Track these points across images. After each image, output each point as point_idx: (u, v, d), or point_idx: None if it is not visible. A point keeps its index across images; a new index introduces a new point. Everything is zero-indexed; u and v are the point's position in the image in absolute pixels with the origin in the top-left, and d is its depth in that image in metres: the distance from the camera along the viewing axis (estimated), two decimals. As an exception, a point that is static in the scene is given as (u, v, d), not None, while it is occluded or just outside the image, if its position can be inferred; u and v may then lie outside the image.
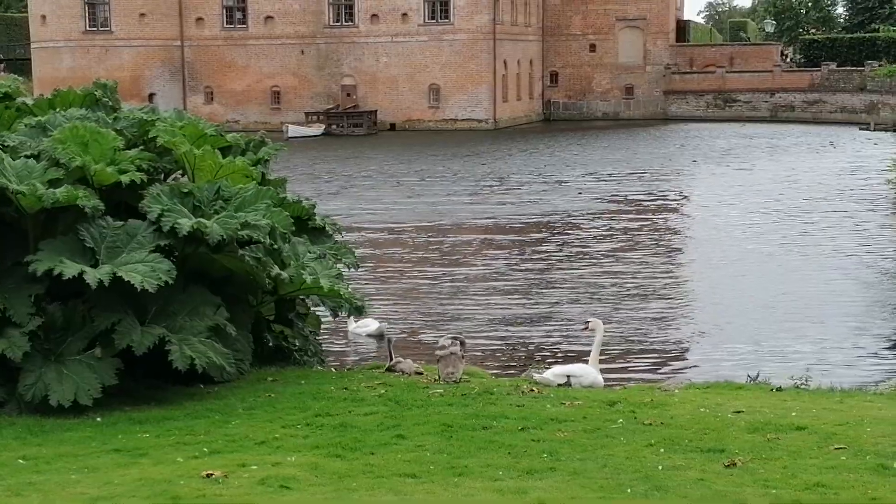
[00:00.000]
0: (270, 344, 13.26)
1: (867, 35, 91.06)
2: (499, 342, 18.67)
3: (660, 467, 8.48)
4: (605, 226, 33.11)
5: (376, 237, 31.15)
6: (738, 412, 10.19)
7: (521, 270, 25.76)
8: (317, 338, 14.29)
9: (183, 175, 12.89)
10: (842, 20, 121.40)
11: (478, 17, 76.46)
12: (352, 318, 15.59)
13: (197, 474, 8.38)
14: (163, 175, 13.08)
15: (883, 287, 23.45)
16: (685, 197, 41.79)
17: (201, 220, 11.16)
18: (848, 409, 10.51)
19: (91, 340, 10.73)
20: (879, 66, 72.93)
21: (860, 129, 71.31)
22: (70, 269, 10.41)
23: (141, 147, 12.80)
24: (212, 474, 8.37)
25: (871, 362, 17.13)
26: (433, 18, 77.29)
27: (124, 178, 11.71)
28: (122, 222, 11.26)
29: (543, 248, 29.00)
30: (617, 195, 40.85)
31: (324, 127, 75.78)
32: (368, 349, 18.21)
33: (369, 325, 18.75)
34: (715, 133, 70.81)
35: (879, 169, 44.31)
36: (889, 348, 18.11)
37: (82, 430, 9.95)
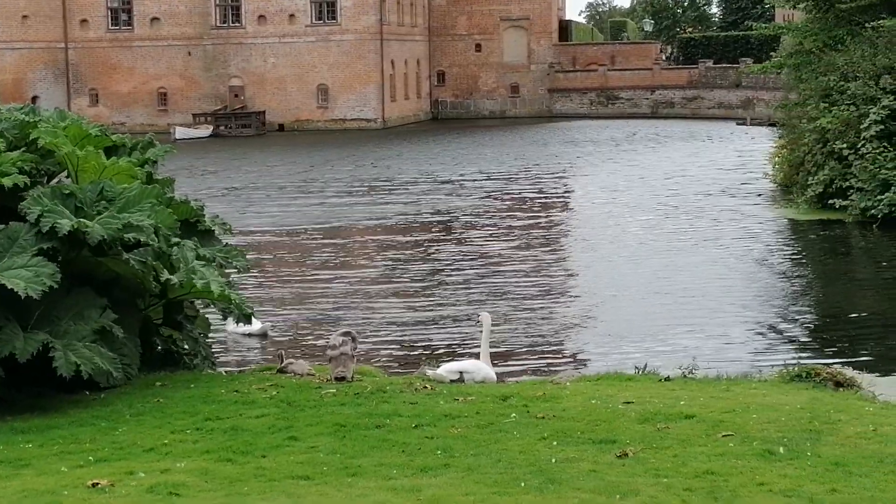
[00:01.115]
0: (159, 348, 13.00)
1: (741, 33, 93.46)
2: (392, 341, 18.61)
3: (553, 460, 8.52)
4: (495, 224, 33.27)
5: (266, 240, 30.86)
6: (629, 403, 10.29)
7: (412, 270, 25.74)
8: (206, 340, 14.06)
9: (67, 177, 12.58)
10: (716, 19, 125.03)
11: (364, 17, 76.34)
12: (230, 319, 15.26)
13: (82, 484, 8.17)
14: (46, 178, 12.75)
15: (764, 277, 23.99)
16: (573, 193, 42.25)
17: (82, 220, 10.88)
18: (734, 397, 10.68)
19: (-31, 349, 10.38)
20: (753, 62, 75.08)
21: (737, 124, 73.20)
22: (-53, 275, 10.07)
23: (23, 149, 12.45)
24: (98, 483, 8.16)
25: (755, 350, 17.50)
26: (320, 19, 76.95)
27: (6, 182, 11.37)
28: (2, 226, 10.91)
29: (435, 248, 29.03)
30: (507, 192, 41.11)
31: (212, 128, 74.90)
32: (250, 348, 17.96)
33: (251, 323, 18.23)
34: (598, 129, 71.79)
35: (758, 163, 45.40)
36: (772, 336, 18.53)
37: (-39, 443, 9.62)
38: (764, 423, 9.44)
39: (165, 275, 11.49)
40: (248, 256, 13.84)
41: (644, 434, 9.20)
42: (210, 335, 14.08)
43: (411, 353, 17.66)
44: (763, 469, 8.17)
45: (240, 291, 13.03)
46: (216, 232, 13.57)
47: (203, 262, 12.03)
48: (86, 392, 11.03)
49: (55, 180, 12.61)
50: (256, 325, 18.14)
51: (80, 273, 11.26)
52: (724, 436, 9.08)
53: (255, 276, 22.97)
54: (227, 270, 13.14)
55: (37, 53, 78.14)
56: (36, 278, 10.22)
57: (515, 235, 30.89)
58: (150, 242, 11.29)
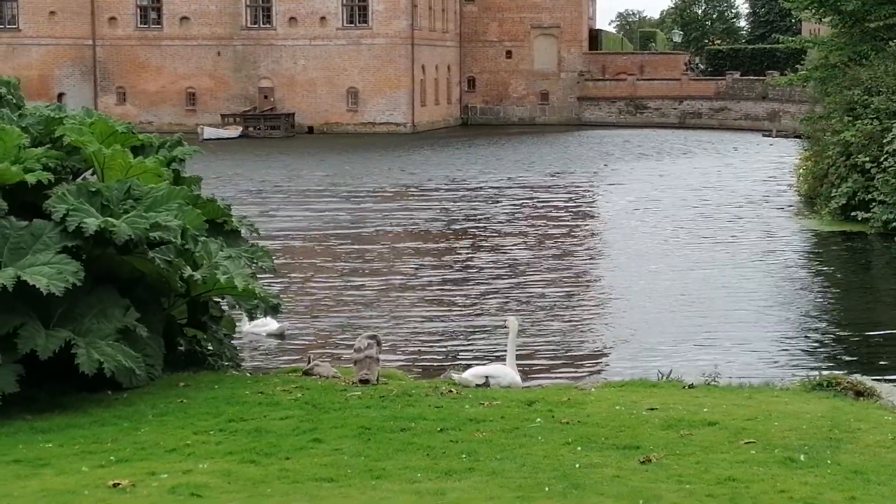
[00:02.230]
0: (183, 348, 12.96)
1: (768, 46, 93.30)
2: (418, 345, 18.51)
3: (577, 465, 8.54)
4: (524, 231, 33.14)
5: (293, 243, 30.82)
6: (653, 409, 10.35)
7: (440, 276, 25.64)
8: (231, 341, 14.00)
9: (93, 175, 12.54)
10: (744, 32, 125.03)
11: (396, 21, 76.36)
12: (245, 318, 15.11)
13: (103, 484, 8.11)
14: (71, 175, 12.71)
15: (787, 287, 23.88)
16: (602, 201, 42.07)
17: (109, 219, 10.81)
18: (757, 405, 10.75)
19: (-10, 346, 10.33)
20: (779, 75, 75.23)
21: (763, 135, 73.16)
22: (-31, 273, 10.01)
23: (48, 146, 12.42)
24: (119, 484, 8.10)
25: (778, 359, 17.44)
26: (351, 22, 77.04)
27: (30, 178, 11.33)
28: (26, 223, 10.87)
29: (464, 254, 28.93)
30: (536, 199, 40.97)
31: (241, 129, 75.03)
32: (269, 349, 17.85)
33: (269, 323, 18.13)
34: (627, 138, 71.60)
35: (783, 174, 45.36)
36: (794, 345, 18.46)
37: (-21, 442, 9.55)
38: (785, 431, 9.55)
39: (188, 271, 11.42)
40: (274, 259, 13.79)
41: (667, 440, 9.27)
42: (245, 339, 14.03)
43: (437, 358, 17.57)
44: (784, 476, 8.28)
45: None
46: (243, 233, 13.53)
47: (226, 256, 11.96)
48: (108, 391, 10.98)
49: (80, 178, 12.56)
50: (273, 324, 18.03)
51: (103, 271, 11.21)
52: (746, 443, 9.19)
53: (280, 280, 22.91)
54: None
55: (64, 50, 78.54)
56: (59, 275, 10.17)
57: (544, 243, 30.76)
58: (174, 241, 11.23)
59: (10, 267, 10.30)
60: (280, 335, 18.34)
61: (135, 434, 9.64)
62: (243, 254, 12.93)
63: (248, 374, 13.00)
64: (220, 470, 8.52)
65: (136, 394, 11.01)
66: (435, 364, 16.87)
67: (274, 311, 12.45)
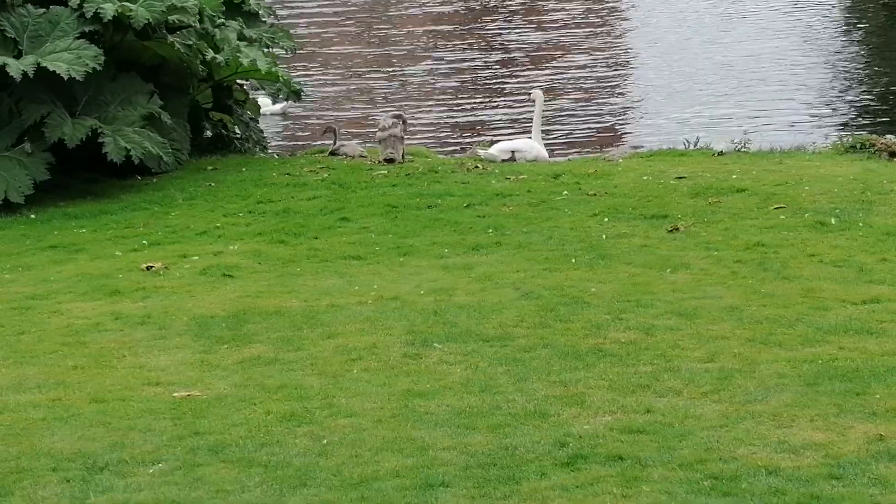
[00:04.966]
0: (209, 133, 12.96)
1: None
2: (444, 121, 18.45)
3: (604, 236, 8.59)
4: (551, 9, 32.37)
5: (313, 20, 30.35)
6: (681, 178, 10.27)
7: (467, 52, 25.28)
8: (258, 124, 13.99)
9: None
10: None
11: None
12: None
13: (136, 267, 8.29)
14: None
15: (823, 48, 23.37)
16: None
17: (126, 3, 10.66)
18: (787, 170, 10.63)
19: (20, 135, 10.38)
20: None
21: None
22: (-9, 61, 9.96)
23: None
24: (152, 266, 8.28)
25: (810, 122, 17.19)
26: None
27: (44, -35, 11.15)
28: (43, 10, 10.75)
29: (488, 23, 28.42)
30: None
31: None
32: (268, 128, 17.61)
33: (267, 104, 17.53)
34: None
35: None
36: (827, 108, 18.16)
37: (15, 229, 9.73)
38: (816, 195, 9.47)
39: (210, 54, 11.31)
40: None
41: (696, 208, 9.26)
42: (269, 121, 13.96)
43: (463, 134, 17.53)
44: (814, 240, 8.28)
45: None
46: (261, 14, 13.32)
47: (246, 43, 11.82)
48: (137, 177, 11.07)
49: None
50: (277, 105, 17.48)
51: (125, 58, 11.16)
52: (775, 208, 9.15)
53: (299, 65, 22.61)
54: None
55: None
56: (78, 60, 10.13)
57: (572, 19, 30.12)
58: (194, 25, 11.10)
59: (30, 55, 10.26)
60: (283, 114, 18.01)
61: (165, 218, 9.78)
62: (263, 34, 12.78)
63: (276, 156, 13.05)
64: (250, 251, 8.67)
65: (166, 178, 11.09)
66: (461, 141, 16.85)
67: (296, 95, 12.39)
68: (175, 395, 6.15)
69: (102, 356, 6.77)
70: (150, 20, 10.72)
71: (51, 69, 10.02)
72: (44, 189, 10.39)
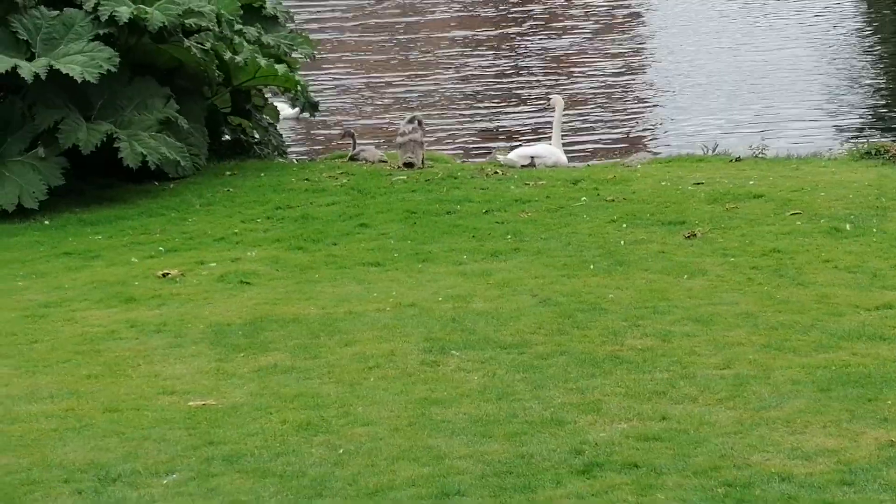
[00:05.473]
0: (227, 137, 12.92)
1: None
2: (463, 127, 18.40)
3: (622, 242, 8.63)
4: (570, 14, 32.30)
5: (333, 25, 30.34)
6: (698, 184, 10.30)
7: (487, 56, 25.24)
8: (276, 129, 13.95)
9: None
10: None
11: None
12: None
13: (153, 274, 8.26)
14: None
15: (842, 55, 23.31)
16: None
17: (141, 6, 10.61)
18: (803, 176, 10.67)
19: (33, 139, 10.34)
20: None
21: None
22: (2, 63, 9.91)
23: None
24: (168, 273, 8.25)
25: (827, 129, 17.17)
26: None
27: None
28: (57, 12, 10.70)
29: (512, 28, 28.38)
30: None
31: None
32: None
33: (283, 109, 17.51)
34: None
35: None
36: (844, 115, 18.14)
37: (29, 235, 9.69)
38: (832, 201, 9.55)
39: (228, 55, 11.24)
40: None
41: (713, 214, 9.33)
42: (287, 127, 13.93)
43: (483, 140, 17.48)
44: (829, 246, 8.39)
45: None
46: (279, 19, 13.28)
47: (260, 49, 11.74)
48: (154, 182, 11.01)
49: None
50: (294, 110, 17.38)
51: (140, 62, 11.09)
52: (791, 214, 9.23)
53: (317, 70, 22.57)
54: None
55: None
56: (92, 62, 10.06)
57: (593, 17, 30.05)
58: (212, 28, 11.05)
59: (43, 57, 10.20)
60: (296, 119, 17.96)
61: (182, 224, 9.74)
62: (282, 41, 12.74)
63: (295, 162, 13.01)
64: (268, 257, 8.64)
65: (183, 184, 11.03)
66: (481, 147, 16.80)
67: (313, 108, 12.36)
68: (190, 404, 6.11)
69: (117, 365, 6.74)
70: (166, 23, 10.67)
71: (64, 71, 9.95)
72: (58, 194, 10.33)
